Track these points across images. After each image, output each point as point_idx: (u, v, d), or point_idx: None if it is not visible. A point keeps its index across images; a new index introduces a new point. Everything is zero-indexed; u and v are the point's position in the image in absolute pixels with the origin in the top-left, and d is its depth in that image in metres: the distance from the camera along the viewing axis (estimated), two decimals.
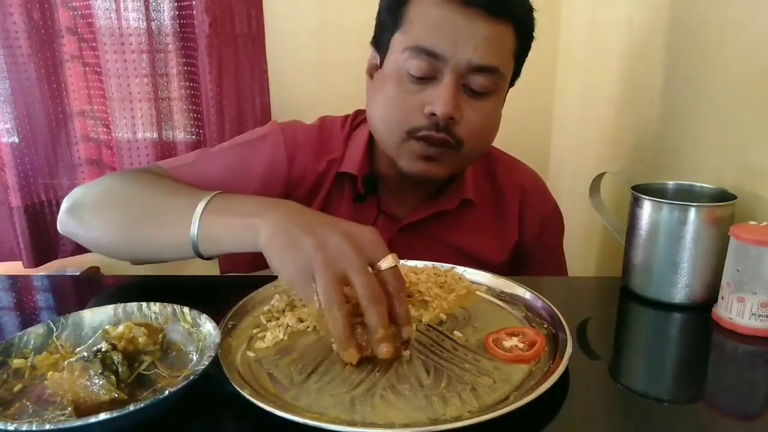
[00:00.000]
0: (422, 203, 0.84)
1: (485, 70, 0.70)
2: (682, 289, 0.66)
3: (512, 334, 0.56)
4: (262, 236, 0.55)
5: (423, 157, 0.73)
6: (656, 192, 0.70)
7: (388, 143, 0.76)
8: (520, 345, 0.54)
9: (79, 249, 1.46)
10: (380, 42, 0.76)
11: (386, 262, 0.52)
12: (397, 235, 0.83)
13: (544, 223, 0.91)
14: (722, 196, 0.67)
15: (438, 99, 0.69)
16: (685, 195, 0.72)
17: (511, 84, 0.79)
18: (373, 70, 0.79)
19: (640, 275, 0.69)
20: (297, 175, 0.82)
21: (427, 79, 0.71)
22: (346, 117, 0.88)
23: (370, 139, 0.82)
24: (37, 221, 1.41)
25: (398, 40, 0.72)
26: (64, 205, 0.73)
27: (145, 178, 0.73)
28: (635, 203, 0.68)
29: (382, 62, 0.76)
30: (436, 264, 0.71)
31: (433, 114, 0.70)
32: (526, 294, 0.64)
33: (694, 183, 0.72)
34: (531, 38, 0.76)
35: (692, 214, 0.64)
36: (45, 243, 1.43)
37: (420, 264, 0.71)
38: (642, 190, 0.69)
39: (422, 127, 0.71)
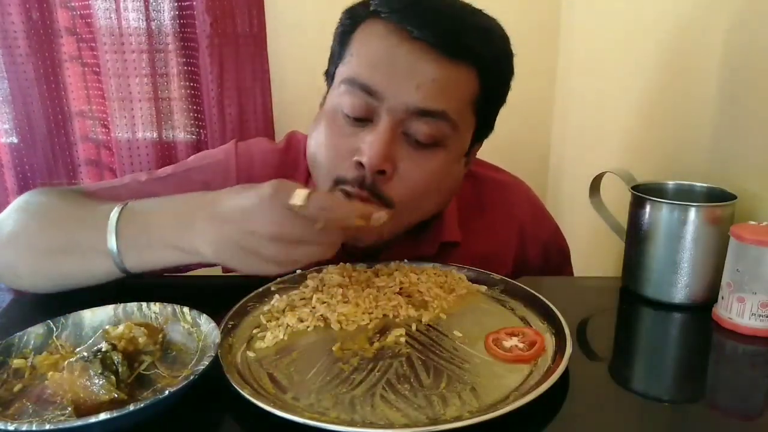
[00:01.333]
0: (399, 244, 0.71)
1: (428, 115, 0.60)
2: (682, 289, 0.66)
3: (512, 334, 0.55)
4: (206, 254, 0.55)
5: None
6: (656, 192, 0.70)
7: (317, 188, 0.67)
8: (520, 345, 0.53)
9: None
10: (328, 73, 0.69)
11: (296, 199, 0.51)
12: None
13: (546, 249, 0.85)
14: (722, 196, 0.67)
15: (368, 147, 0.59)
16: (685, 195, 0.72)
17: (479, 139, 0.69)
18: (323, 102, 0.71)
19: (640, 275, 0.69)
20: None
21: (363, 120, 0.61)
22: None
23: None
24: None
25: (339, 73, 0.64)
26: None
27: (57, 199, 0.65)
28: (635, 203, 0.68)
29: (326, 96, 0.69)
30: (436, 264, 0.71)
31: (361, 164, 0.60)
32: (526, 294, 0.64)
33: (694, 183, 0.72)
34: (502, 86, 0.66)
35: (692, 214, 0.64)
36: None
37: (421, 264, 0.71)
38: (642, 190, 0.69)
39: (348, 179, 0.62)
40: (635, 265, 0.69)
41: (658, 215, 0.66)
